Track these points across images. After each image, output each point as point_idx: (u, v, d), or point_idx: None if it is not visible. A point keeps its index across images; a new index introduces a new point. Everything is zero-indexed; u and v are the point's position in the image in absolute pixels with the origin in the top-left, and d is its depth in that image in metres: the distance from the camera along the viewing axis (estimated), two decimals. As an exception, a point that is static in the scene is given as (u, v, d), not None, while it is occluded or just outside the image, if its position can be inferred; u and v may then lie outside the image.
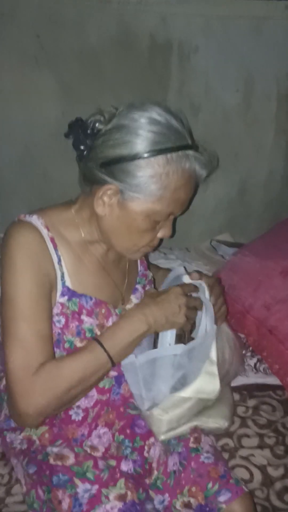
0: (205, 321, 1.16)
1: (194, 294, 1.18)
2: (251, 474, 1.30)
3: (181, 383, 1.14)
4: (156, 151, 0.98)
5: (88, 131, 1.03)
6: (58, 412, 1.07)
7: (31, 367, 0.98)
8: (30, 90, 1.91)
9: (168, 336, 1.15)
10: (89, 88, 1.92)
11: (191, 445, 1.20)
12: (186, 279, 1.22)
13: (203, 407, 1.23)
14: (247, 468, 1.32)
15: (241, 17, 1.89)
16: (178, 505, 1.14)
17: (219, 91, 2.00)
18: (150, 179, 1.00)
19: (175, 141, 1.00)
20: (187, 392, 1.14)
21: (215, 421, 1.26)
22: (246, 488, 1.14)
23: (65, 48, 1.86)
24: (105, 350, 1.03)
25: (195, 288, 1.19)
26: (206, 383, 1.15)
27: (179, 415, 1.16)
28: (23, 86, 1.90)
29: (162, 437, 1.18)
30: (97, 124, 1.03)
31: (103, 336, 1.05)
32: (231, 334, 1.33)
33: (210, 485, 1.12)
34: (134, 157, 0.98)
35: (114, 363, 1.05)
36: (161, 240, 1.14)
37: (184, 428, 1.21)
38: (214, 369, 1.16)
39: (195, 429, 1.23)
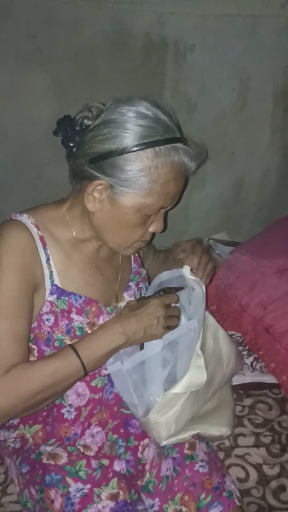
0: (184, 315, 1.18)
1: (173, 304, 1.17)
2: (247, 473, 1.30)
3: (171, 381, 1.14)
4: (145, 144, 0.98)
5: (77, 128, 1.03)
6: (25, 414, 1.05)
7: (2, 367, 0.98)
8: (25, 90, 1.90)
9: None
10: (85, 87, 1.92)
11: (186, 451, 1.19)
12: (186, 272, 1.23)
13: (197, 407, 1.23)
14: (243, 467, 1.31)
15: (237, 16, 1.89)
16: (169, 511, 1.13)
17: (215, 90, 2.00)
18: (139, 173, 1.00)
19: (163, 134, 1.00)
20: (179, 388, 1.14)
21: (218, 429, 1.26)
22: (238, 501, 1.13)
23: (61, 47, 1.85)
24: (80, 358, 1.01)
25: (176, 297, 1.18)
26: (195, 377, 1.16)
27: (175, 415, 1.15)
28: (18, 86, 1.89)
29: (164, 442, 1.18)
30: (85, 120, 1.03)
31: (79, 344, 1.04)
32: (225, 332, 1.33)
33: (203, 496, 1.11)
34: (123, 151, 0.98)
35: (87, 372, 1.04)
36: (153, 235, 1.14)
37: (185, 435, 1.20)
38: (201, 362, 1.17)
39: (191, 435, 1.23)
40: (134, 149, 0.98)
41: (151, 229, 1.11)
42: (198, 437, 1.23)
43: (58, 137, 1.07)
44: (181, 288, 1.23)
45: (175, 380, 1.15)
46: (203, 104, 2.01)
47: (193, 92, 1.99)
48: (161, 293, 1.17)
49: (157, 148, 0.99)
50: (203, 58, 1.93)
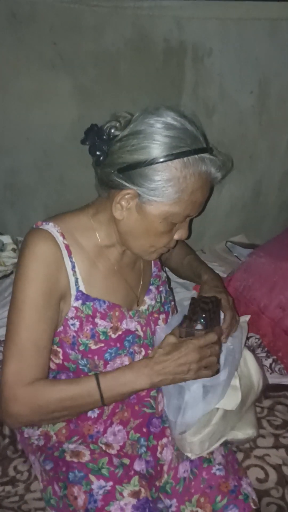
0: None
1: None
2: (266, 474, 1.31)
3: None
4: (173, 155, 0.99)
5: (104, 137, 1.04)
6: (37, 424, 1.14)
7: (24, 378, 1.02)
8: (48, 95, 1.94)
9: None
10: (105, 92, 1.95)
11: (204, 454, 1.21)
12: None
13: (230, 425, 1.24)
14: (262, 468, 1.32)
15: (255, 19, 1.90)
16: None
17: (234, 93, 2.01)
18: (167, 183, 1.01)
19: (191, 145, 1.01)
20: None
21: (245, 432, 1.28)
22: (254, 505, 1.14)
23: (82, 53, 1.89)
24: (101, 393, 1.04)
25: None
26: (230, 397, 1.17)
27: (209, 434, 1.17)
28: (41, 91, 1.93)
29: (194, 457, 1.19)
30: (112, 130, 1.04)
31: (105, 377, 1.05)
32: (251, 353, 1.35)
33: (219, 498, 1.13)
34: (152, 162, 1.00)
35: (105, 404, 1.07)
36: (176, 241, 1.16)
37: (215, 446, 1.22)
38: (237, 382, 1.20)
39: None
40: (163, 159, 0.99)
41: (176, 236, 1.12)
42: (232, 443, 1.25)
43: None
44: (215, 298, 1.23)
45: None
46: (221, 107, 2.02)
47: (212, 96, 2.01)
48: (203, 316, 1.12)
49: (185, 158, 1.00)
50: (221, 62, 1.95)
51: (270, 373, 1.60)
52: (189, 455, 1.19)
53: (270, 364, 1.63)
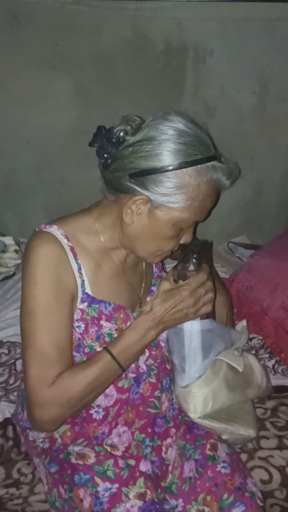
0: None
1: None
2: (270, 475, 1.30)
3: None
4: (188, 163, 0.99)
5: (113, 140, 1.04)
6: (73, 416, 1.12)
7: (48, 380, 1.02)
8: (47, 95, 1.94)
9: None
10: (105, 92, 1.95)
11: (208, 452, 1.20)
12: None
13: (234, 398, 1.28)
14: (266, 469, 1.32)
15: (255, 19, 1.90)
16: None
17: (234, 93, 2.01)
18: (180, 190, 1.01)
19: (204, 153, 1.01)
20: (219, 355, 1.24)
21: (246, 430, 1.29)
22: (261, 502, 1.14)
23: (81, 53, 1.89)
24: (118, 362, 1.06)
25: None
26: (234, 358, 1.27)
27: (213, 390, 1.21)
28: (40, 92, 1.93)
29: (197, 419, 1.22)
30: (122, 134, 1.04)
31: (114, 347, 1.07)
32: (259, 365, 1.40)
33: (225, 496, 1.13)
34: (166, 169, 0.99)
35: (124, 369, 1.09)
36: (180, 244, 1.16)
37: (218, 425, 1.24)
38: (235, 352, 1.31)
39: (212, 435, 1.24)
40: (177, 167, 0.99)
41: (182, 241, 1.13)
42: (221, 439, 1.25)
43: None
44: (203, 243, 1.27)
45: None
46: (222, 107, 2.03)
47: (213, 96, 2.01)
48: (194, 256, 1.15)
49: (198, 166, 1.00)
50: (222, 62, 1.95)
51: (273, 374, 1.60)
52: (191, 415, 1.22)
53: (273, 365, 1.63)
